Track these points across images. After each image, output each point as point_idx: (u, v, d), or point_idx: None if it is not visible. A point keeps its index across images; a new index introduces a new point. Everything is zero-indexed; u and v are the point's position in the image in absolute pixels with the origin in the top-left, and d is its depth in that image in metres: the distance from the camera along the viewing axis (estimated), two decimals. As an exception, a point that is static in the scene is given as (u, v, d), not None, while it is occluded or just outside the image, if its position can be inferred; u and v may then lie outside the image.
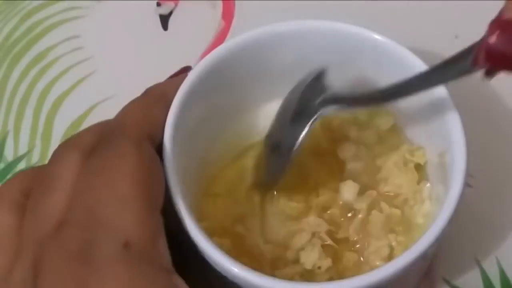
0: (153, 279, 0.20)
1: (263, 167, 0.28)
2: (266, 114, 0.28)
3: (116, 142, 0.23)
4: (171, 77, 0.31)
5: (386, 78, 0.25)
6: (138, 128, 0.24)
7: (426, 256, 0.22)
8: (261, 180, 0.28)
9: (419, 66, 0.25)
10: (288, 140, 0.26)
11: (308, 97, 0.26)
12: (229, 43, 0.27)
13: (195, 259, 0.23)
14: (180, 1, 0.37)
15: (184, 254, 0.26)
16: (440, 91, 0.25)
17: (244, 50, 0.27)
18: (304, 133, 0.26)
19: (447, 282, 0.28)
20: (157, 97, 0.25)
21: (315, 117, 0.26)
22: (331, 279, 0.25)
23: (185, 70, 0.31)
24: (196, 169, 0.27)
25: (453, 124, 0.24)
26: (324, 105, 0.26)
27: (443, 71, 0.23)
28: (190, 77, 0.26)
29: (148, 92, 0.26)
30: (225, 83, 0.27)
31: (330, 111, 0.26)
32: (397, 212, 0.26)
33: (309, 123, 0.26)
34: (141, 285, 0.20)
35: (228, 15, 0.36)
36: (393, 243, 0.26)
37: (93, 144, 0.23)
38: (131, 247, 0.20)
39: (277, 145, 0.27)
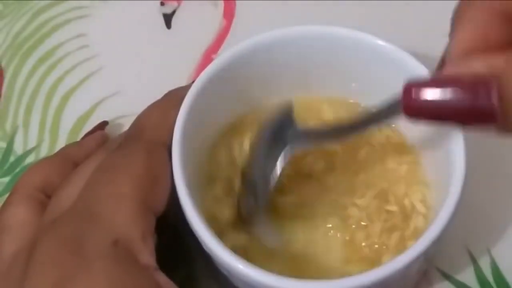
0: (135, 276, 0.21)
1: (240, 203, 0.26)
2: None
3: (132, 145, 0.24)
4: (85, 136, 0.31)
5: (387, 82, 0.25)
6: (154, 133, 0.24)
7: (425, 256, 0.22)
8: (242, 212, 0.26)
9: (418, 69, 0.25)
10: (261, 178, 0.25)
11: (279, 134, 0.25)
12: (236, 48, 0.27)
13: (201, 253, 0.23)
14: (183, 0, 0.37)
15: (188, 250, 0.26)
16: None
17: (250, 54, 0.27)
18: (276, 171, 0.25)
19: (440, 271, 0.29)
20: (176, 101, 0.25)
21: (282, 154, 0.25)
22: None
23: (102, 125, 0.32)
24: (203, 168, 0.27)
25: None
26: (292, 141, 0.25)
27: (385, 113, 0.23)
28: (199, 81, 0.26)
29: (168, 95, 0.27)
30: (232, 86, 0.27)
31: (298, 147, 0.25)
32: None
33: (278, 161, 0.25)
34: (123, 281, 0.20)
35: (229, 14, 0.37)
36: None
37: (119, 145, 0.24)
38: (119, 244, 0.21)
39: (252, 183, 0.26)
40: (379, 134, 0.28)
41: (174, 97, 0.26)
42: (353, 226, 0.26)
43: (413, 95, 0.20)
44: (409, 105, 0.20)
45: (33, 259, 0.21)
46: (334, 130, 0.25)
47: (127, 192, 0.22)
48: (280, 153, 0.25)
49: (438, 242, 0.22)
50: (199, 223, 0.23)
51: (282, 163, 0.25)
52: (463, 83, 0.19)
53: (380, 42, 0.26)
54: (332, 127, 0.25)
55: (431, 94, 0.20)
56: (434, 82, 0.20)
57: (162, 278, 0.22)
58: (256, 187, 0.25)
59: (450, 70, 0.20)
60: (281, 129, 0.25)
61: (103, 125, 0.32)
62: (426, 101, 0.20)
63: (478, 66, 0.19)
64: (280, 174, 0.25)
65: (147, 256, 0.22)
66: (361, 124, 0.24)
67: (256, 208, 0.26)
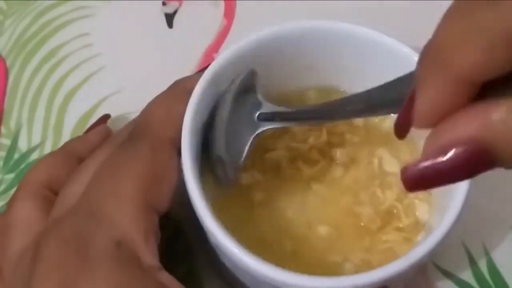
0: (139, 277, 0.21)
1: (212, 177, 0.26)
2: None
3: (137, 143, 0.24)
4: (88, 130, 0.31)
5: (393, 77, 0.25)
6: (160, 129, 0.24)
7: (428, 257, 0.22)
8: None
9: None
10: (230, 154, 0.25)
11: (244, 105, 0.25)
12: (242, 42, 0.26)
13: (203, 248, 0.24)
14: (184, 0, 0.37)
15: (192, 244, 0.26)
16: None
17: (260, 47, 0.26)
18: (246, 150, 0.25)
19: (436, 266, 0.29)
20: (181, 95, 0.25)
21: (254, 135, 0.25)
22: None
23: (104, 118, 0.32)
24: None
25: None
26: (263, 121, 0.25)
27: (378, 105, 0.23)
28: (206, 74, 0.25)
29: (174, 86, 0.26)
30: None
31: (269, 127, 0.25)
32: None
33: (249, 141, 0.25)
34: (127, 283, 0.20)
35: (229, 14, 0.37)
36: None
37: (124, 141, 0.24)
38: (122, 246, 0.21)
39: (220, 158, 0.25)
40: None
41: (180, 91, 0.25)
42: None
43: (409, 177, 0.19)
44: (408, 186, 0.19)
45: (38, 259, 0.21)
46: (301, 112, 0.25)
47: (129, 192, 0.22)
48: (248, 130, 0.25)
49: (442, 244, 0.22)
50: (210, 219, 0.22)
51: (250, 141, 0.25)
52: (457, 156, 0.17)
53: (379, 38, 0.26)
54: (300, 110, 0.25)
55: (425, 174, 0.18)
56: (425, 163, 0.18)
57: (165, 277, 0.22)
58: (225, 163, 0.25)
59: (432, 143, 0.18)
60: (244, 95, 0.25)
61: (105, 118, 0.32)
62: (422, 179, 0.18)
63: (465, 129, 0.17)
64: (248, 150, 0.25)
65: (150, 256, 0.22)
66: (331, 113, 0.24)
67: (226, 180, 0.25)
